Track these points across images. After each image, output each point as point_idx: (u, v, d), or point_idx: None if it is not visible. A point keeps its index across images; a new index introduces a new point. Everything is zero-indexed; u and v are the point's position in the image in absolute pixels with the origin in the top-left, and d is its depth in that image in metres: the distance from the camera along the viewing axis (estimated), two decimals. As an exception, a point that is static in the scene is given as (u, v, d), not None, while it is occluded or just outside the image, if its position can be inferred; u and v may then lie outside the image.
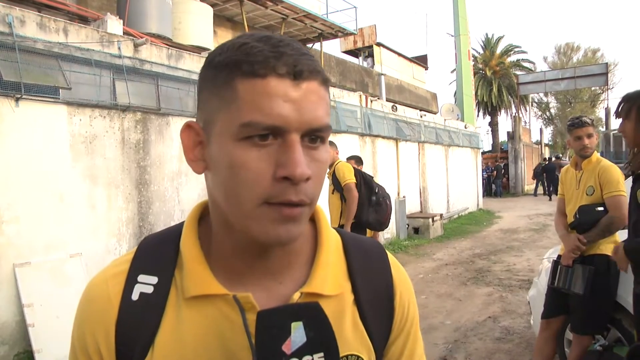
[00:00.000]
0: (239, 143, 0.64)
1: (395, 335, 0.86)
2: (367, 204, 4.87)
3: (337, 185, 4.94)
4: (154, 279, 0.74)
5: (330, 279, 0.77)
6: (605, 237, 3.10)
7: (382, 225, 5.00)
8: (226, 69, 0.65)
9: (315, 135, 0.66)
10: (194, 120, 0.72)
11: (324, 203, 5.60)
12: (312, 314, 0.64)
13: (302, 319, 0.63)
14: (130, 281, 0.74)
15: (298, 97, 0.63)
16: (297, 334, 0.62)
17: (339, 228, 0.89)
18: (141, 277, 0.74)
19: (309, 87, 0.64)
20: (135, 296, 0.73)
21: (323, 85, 0.67)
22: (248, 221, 0.66)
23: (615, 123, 2.73)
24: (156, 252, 0.77)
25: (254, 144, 0.63)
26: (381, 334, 0.83)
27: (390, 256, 0.90)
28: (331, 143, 5.21)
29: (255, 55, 0.63)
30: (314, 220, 0.83)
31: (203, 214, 0.80)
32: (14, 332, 4.32)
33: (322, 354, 0.62)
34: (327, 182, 5.09)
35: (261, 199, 0.64)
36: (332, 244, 0.81)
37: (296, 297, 0.73)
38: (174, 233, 0.78)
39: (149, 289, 0.74)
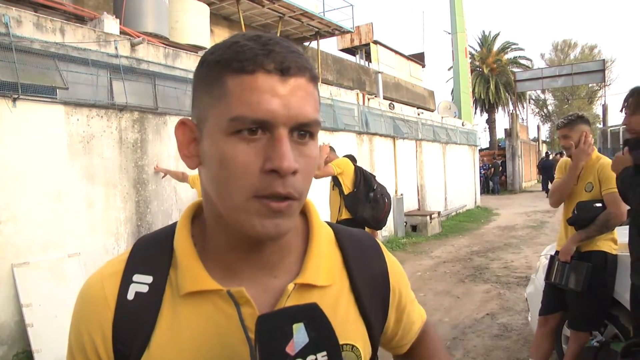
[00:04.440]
0: (229, 137, 0.66)
1: (392, 318, 0.91)
2: (365, 200, 4.87)
3: (337, 181, 4.96)
4: (148, 279, 0.75)
5: (323, 270, 0.79)
6: (603, 233, 3.11)
7: (379, 223, 4.97)
8: (217, 67, 0.67)
9: (304, 131, 0.68)
10: (189, 117, 0.74)
11: (323, 199, 5.61)
12: (312, 315, 0.65)
13: (303, 320, 0.64)
14: (126, 281, 0.76)
15: (286, 92, 0.65)
16: (299, 334, 0.63)
17: (331, 222, 0.91)
18: (136, 277, 0.76)
19: (296, 83, 0.66)
20: (130, 296, 0.74)
21: (311, 82, 0.69)
22: (238, 215, 0.67)
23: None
24: (150, 252, 0.79)
25: (243, 139, 0.65)
26: (378, 321, 0.86)
27: (382, 246, 0.93)
28: (330, 149, 5.27)
29: (244, 53, 0.66)
30: (305, 214, 0.85)
31: (197, 213, 0.81)
32: (13, 332, 4.32)
33: (325, 353, 0.63)
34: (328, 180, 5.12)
35: (250, 192, 0.65)
36: (323, 235, 0.83)
37: (290, 288, 0.74)
38: (168, 232, 0.80)
39: (144, 289, 0.75)
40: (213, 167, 0.68)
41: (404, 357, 1.02)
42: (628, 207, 2.72)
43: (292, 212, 0.68)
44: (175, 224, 0.80)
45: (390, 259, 0.92)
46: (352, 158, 5.49)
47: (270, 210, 0.66)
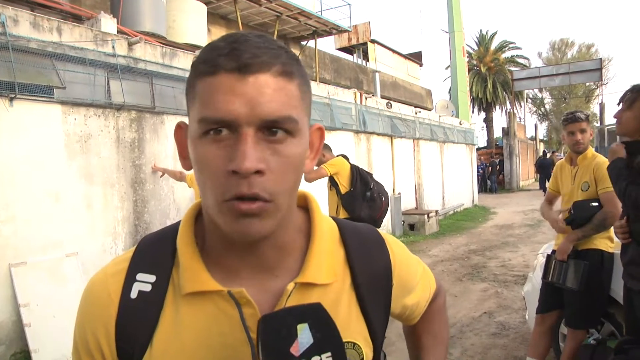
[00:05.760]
0: (200, 140, 0.66)
1: (398, 307, 0.92)
2: (361, 199, 4.87)
3: (333, 181, 4.95)
4: (152, 278, 0.76)
5: (325, 268, 0.78)
6: (600, 232, 3.12)
7: (376, 222, 4.96)
8: (192, 71, 0.70)
9: (275, 128, 0.66)
10: (185, 121, 0.76)
11: (322, 199, 5.59)
12: (317, 315, 0.65)
13: (308, 321, 0.63)
14: (129, 280, 0.76)
15: (247, 91, 0.64)
16: (304, 335, 0.62)
17: (337, 217, 0.90)
18: (140, 276, 0.76)
19: (259, 80, 0.65)
20: (134, 294, 0.75)
21: (281, 77, 0.67)
22: (216, 216, 0.68)
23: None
24: (154, 251, 0.79)
25: (212, 140, 0.65)
26: (379, 319, 0.85)
27: (386, 238, 0.92)
28: (325, 146, 5.21)
29: (210, 54, 0.66)
30: (307, 211, 0.84)
31: (200, 212, 0.81)
32: (11, 332, 4.32)
33: (329, 354, 0.63)
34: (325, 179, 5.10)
35: (220, 194, 0.65)
36: (325, 232, 0.82)
37: (290, 287, 0.74)
38: (172, 232, 0.80)
39: (147, 287, 0.75)
40: (194, 168, 0.69)
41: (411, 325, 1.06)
42: None
43: (267, 214, 0.66)
44: (179, 223, 0.80)
45: (395, 250, 0.91)
46: (345, 158, 5.47)
47: (239, 212, 0.65)
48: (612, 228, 3.15)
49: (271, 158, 0.65)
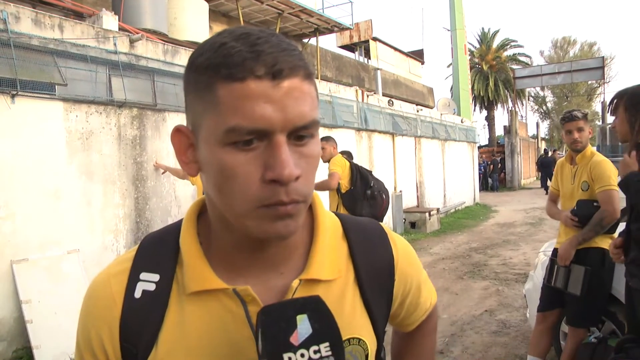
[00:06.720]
0: (226, 148, 0.63)
1: (397, 303, 0.91)
2: (362, 197, 4.88)
3: None
4: (155, 277, 0.75)
5: (328, 264, 0.78)
6: (599, 233, 3.09)
7: (377, 219, 4.96)
8: (206, 73, 0.64)
9: (303, 133, 0.65)
10: (183, 124, 0.73)
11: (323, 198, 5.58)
12: (316, 307, 0.66)
13: (307, 312, 0.64)
14: (133, 279, 0.76)
15: (279, 96, 0.62)
16: (303, 326, 0.63)
17: (339, 212, 0.90)
18: (143, 275, 0.76)
19: (290, 84, 0.63)
20: (137, 294, 0.74)
21: (306, 80, 0.66)
22: (245, 221, 0.67)
23: (612, 117, 2.74)
24: (157, 250, 0.78)
25: (240, 149, 0.63)
26: (381, 314, 0.86)
27: (389, 232, 0.91)
28: (329, 139, 5.20)
29: (232, 57, 0.62)
30: (310, 207, 0.83)
31: (202, 211, 0.80)
32: (12, 328, 4.33)
33: (327, 344, 0.63)
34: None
35: (254, 202, 0.64)
36: (328, 228, 0.82)
37: (295, 284, 0.74)
38: (174, 230, 0.79)
39: (151, 287, 0.75)
40: (213, 176, 0.67)
41: (404, 334, 1.05)
42: (623, 207, 2.72)
43: (299, 213, 0.67)
44: (181, 222, 0.80)
45: (398, 245, 0.90)
46: (349, 155, 5.46)
47: (278, 214, 0.65)
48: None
49: (299, 161, 0.65)
